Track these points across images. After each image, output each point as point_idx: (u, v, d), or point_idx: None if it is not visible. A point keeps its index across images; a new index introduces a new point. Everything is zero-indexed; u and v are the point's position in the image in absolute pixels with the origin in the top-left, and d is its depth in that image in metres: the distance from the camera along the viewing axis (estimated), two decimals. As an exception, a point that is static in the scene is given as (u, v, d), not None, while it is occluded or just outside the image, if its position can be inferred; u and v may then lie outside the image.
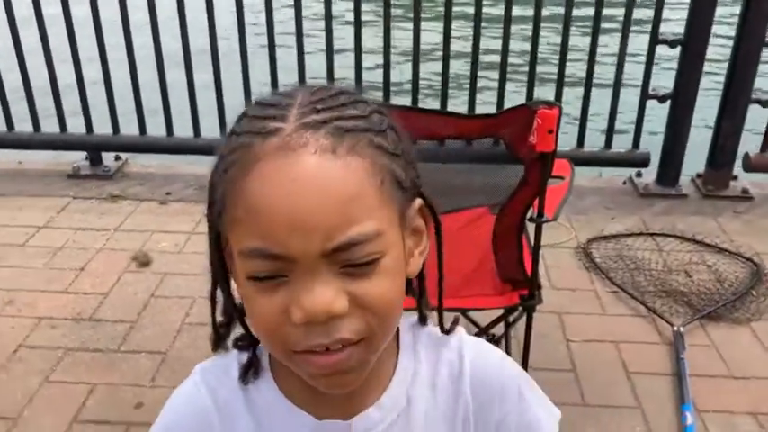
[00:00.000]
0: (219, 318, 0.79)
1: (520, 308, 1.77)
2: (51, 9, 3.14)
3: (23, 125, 3.42)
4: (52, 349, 2.29)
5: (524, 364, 1.90)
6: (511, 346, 2.09)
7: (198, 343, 2.32)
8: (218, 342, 0.79)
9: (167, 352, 2.28)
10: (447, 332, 0.81)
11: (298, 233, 0.60)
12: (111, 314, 2.46)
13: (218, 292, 0.76)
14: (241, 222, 0.63)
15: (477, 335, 1.62)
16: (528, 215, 1.71)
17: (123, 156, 3.52)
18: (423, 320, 0.82)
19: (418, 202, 0.71)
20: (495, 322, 1.87)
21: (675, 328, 2.36)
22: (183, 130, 3.37)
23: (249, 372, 0.77)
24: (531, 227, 1.75)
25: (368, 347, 0.66)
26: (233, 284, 0.73)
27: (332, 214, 0.61)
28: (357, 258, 0.62)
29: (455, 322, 0.83)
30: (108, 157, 3.49)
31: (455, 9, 2.99)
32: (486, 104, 3.36)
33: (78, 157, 3.47)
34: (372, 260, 0.63)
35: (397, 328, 0.78)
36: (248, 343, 0.78)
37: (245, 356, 0.78)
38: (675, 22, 3.30)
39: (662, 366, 2.25)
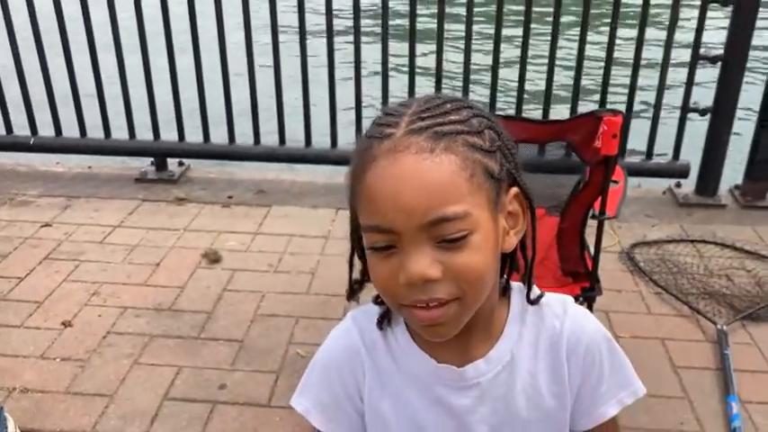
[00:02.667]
0: (356, 276, 0.97)
1: (581, 299, 1.93)
2: (123, 26, 3.38)
3: (95, 131, 3.65)
4: (138, 335, 2.48)
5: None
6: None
7: (270, 332, 2.51)
8: (351, 294, 0.98)
9: (243, 340, 2.47)
10: (532, 302, 0.97)
11: (400, 213, 0.78)
12: (189, 305, 2.65)
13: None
14: (362, 206, 0.82)
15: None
16: (590, 214, 1.87)
17: (186, 162, 3.73)
18: (529, 290, 0.98)
19: (514, 190, 0.88)
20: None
21: (719, 327, 2.50)
22: (243, 137, 3.59)
23: (384, 320, 0.96)
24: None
25: (461, 307, 0.83)
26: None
27: (425, 198, 0.78)
28: (449, 234, 0.79)
29: (540, 296, 0.99)
30: (172, 163, 3.70)
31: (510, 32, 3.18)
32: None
33: (144, 163, 3.70)
34: (462, 236, 0.79)
35: (510, 295, 0.96)
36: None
37: (381, 309, 0.97)
38: (714, 35, 3.45)
39: (707, 362, 2.39)
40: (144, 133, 3.64)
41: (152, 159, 3.68)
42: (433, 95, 0.87)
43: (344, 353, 0.97)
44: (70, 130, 3.66)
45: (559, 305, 0.98)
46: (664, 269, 2.89)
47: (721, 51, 3.23)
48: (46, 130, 3.66)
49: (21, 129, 3.67)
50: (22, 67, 3.47)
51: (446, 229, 0.78)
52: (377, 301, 0.97)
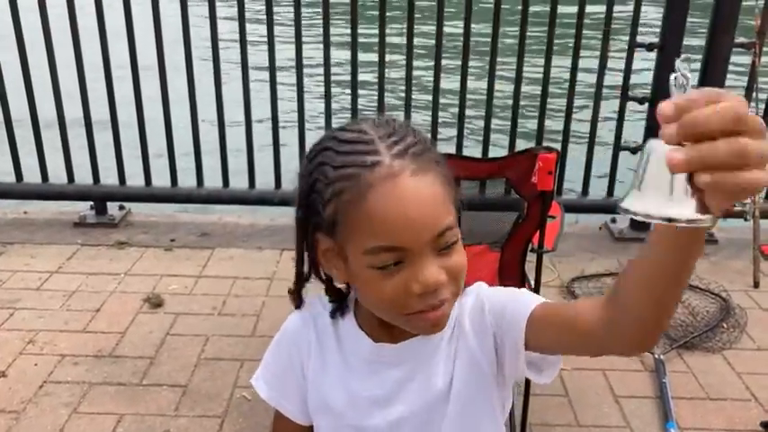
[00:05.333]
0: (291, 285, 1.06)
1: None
2: (61, 70, 3.35)
3: (31, 176, 3.57)
4: (77, 384, 2.41)
5: (526, 384, 2.09)
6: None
7: (215, 376, 2.47)
8: (298, 302, 1.08)
9: (187, 385, 2.42)
10: None
11: (410, 231, 0.86)
12: (130, 351, 2.59)
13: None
14: (364, 231, 0.86)
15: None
16: (529, 248, 1.93)
17: (127, 205, 3.68)
18: None
19: None
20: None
21: (656, 356, 2.58)
22: (186, 180, 3.57)
23: (337, 312, 1.06)
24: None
25: (454, 300, 0.94)
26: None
27: (430, 214, 0.87)
28: (446, 242, 0.88)
29: None
30: (112, 207, 3.64)
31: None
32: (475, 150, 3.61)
33: (83, 207, 3.63)
34: (454, 242, 0.90)
35: None
36: (336, 298, 1.05)
37: (329, 304, 1.06)
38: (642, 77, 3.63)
39: (646, 390, 2.46)
40: (83, 176, 3.58)
41: (91, 203, 3.62)
42: (379, 118, 0.93)
43: (296, 330, 1.07)
44: (5, 176, 3.57)
45: (474, 287, 1.05)
46: (602, 302, 2.97)
47: (648, 92, 3.39)
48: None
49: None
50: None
51: (446, 237, 0.88)
52: (330, 299, 1.05)
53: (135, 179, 3.58)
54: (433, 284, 0.87)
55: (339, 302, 1.05)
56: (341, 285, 1.03)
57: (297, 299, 1.06)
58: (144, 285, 3.02)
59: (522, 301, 0.95)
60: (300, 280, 1.03)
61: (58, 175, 3.58)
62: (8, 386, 2.39)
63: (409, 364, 1.00)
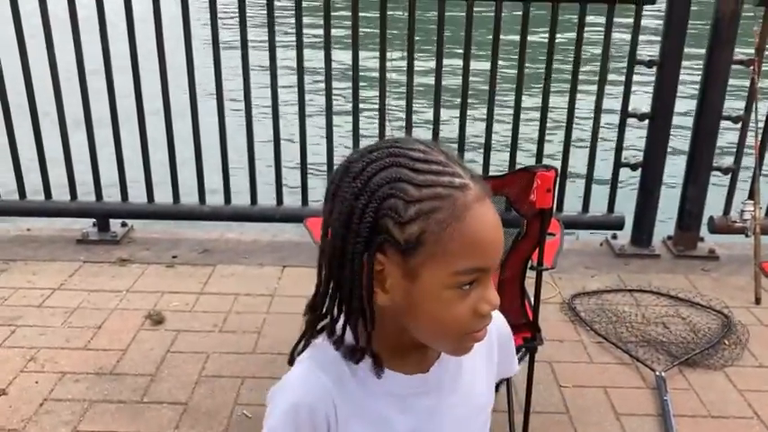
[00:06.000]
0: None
1: (523, 349, 1.97)
2: (64, 83, 3.37)
3: (35, 194, 3.60)
4: (78, 401, 2.41)
5: (527, 401, 2.09)
6: (513, 388, 2.27)
7: (215, 393, 2.47)
8: (308, 341, 1.00)
9: (188, 402, 2.42)
10: None
11: (497, 253, 0.90)
12: (131, 368, 2.59)
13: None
14: (459, 251, 0.86)
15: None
16: (528, 265, 1.94)
17: (129, 222, 3.69)
18: None
19: None
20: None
21: (657, 374, 2.57)
22: (188, 196, 3.58)
23: (356, 354, 0.95)
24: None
25: None
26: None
27: (502, 237, 0.92)
28: None
29: None
30: (115, 224, 3.66)
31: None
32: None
33: (86, 224, 3.64)
34: None
35: None
36: (340, 339, 0.96)
37: (331, 347, 0.96)
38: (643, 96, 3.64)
39: (647, 408, 2.45)
40: (86, 194, 3.60)
41: (94, 220, 3.63)
42: (432, 142, 0.94)
43: (313, 393, 0.95)
44: (9, 194, 3.59)
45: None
46: (604, 318, 2.97)
47: (648, 109, 3.41)
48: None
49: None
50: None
51: None
52: (338, 345, 0.96)
53: (137, 196, 3.59)
54: (496, 305, 0.91)
55: (355, 347, 0.95)
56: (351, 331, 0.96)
57: (314, 331, 0.98)
58: (145, 302, 3.02)
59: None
60: (323, 301, 0.95)
61: (60, 193, 3.60)
62: (9, 404, 2.39)
63: (440, 389, 1.00)
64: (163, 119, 3.42)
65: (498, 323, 1.08)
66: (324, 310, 0.97)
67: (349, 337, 0.95)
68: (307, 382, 0.96)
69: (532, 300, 2.03)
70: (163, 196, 3.61)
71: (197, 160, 3.50)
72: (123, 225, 3.68)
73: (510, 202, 1.89)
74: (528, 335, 1.94)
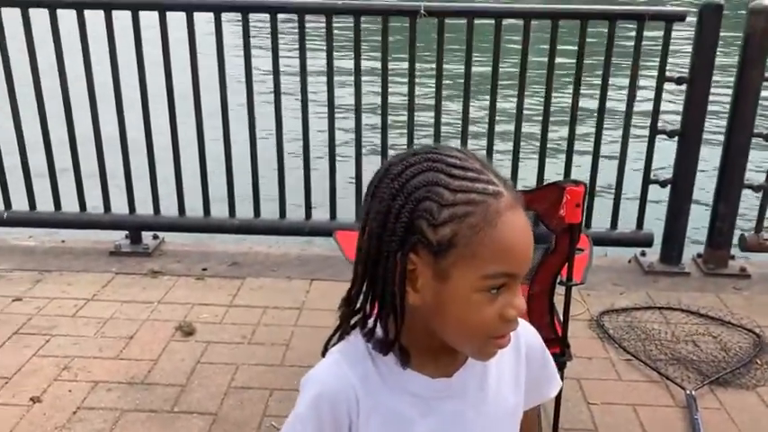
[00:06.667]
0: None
1: (551, 364, 1.97)
2: (101, 104, 3.46)
3: (69, 205, 3.68)
4: (110, 410, 2.45)
5: (556, 417, 2.08)
6: (541, 404, 2.26)
7: (244, 404, 2.50)
8: (343, 335, 1.03)
9: (217, 413, 2.45)
10: None
11: (525, 259, 0.93)
12: (162, 378, 2.63)
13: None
14: (489, 256, 0.90)
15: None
16: (557, 280, 1.94)
17: (161, 235, 3.75)
18: None
19: None
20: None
21: (688, 392, 2.55)
22: (218, 210, 3.64)
23: (384, 347, 0.99)
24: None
25: None
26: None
27: (531, 245, 0.94)
28: None
29: None
30: (147, 236, 3.72)
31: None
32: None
33: (118, 236, 3.71)
34: None
35: None
36: (371, 333, 1.00)
37: (362, 342, 1.00)
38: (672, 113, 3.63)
39: (677, 427, 2.43)
40: (119, 206, 3.67)
41: (126, 233, 3.70)
42: (467, 149, 0.97)
43: (336, 387, 0.99)
44: (44, 204, 3.68)
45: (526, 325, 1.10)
46: (632, 336, 2.95)
47: (678, 125, 3.39)
48: (20, 203, 3.67)
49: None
50: (-1, 142, 3.52)
51: None
52: (368, 338, 1.00)
53: (169, 209, 3.66)
54: (522, 312, 0.93)
55: (384, 340, 0.98)
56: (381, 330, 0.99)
57: (347, 325, 1.02)
58: (176, 314, 3.07)
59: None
60: (357, 297, 0.99)
61: (94, 205, 3.68)
62: (43, 412, 2.44)
63: (464, 395, 1.02)
64: (195, 134, 3.49)
65: (528, 335, 1.10)
66: (357, 305, 1.01)
67: (380, 331, 0.99)
68: (332, 375, 1.00)
69: (561, 315, 2.03)
70: (193, 210, 3.66)
71: (227, 174, 3.56)
72: (155, 238, 3.74)
73: (539, 217, 1.90)
74: (557, 350, 1.94)
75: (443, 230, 0.89)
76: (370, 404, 0.98)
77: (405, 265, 0.92)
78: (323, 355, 1.04)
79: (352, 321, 1.02)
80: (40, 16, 3.31)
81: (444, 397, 1.01)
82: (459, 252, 0.90)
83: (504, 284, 0.91)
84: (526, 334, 1.09)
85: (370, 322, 1.00)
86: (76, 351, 2.79)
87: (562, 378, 2.09)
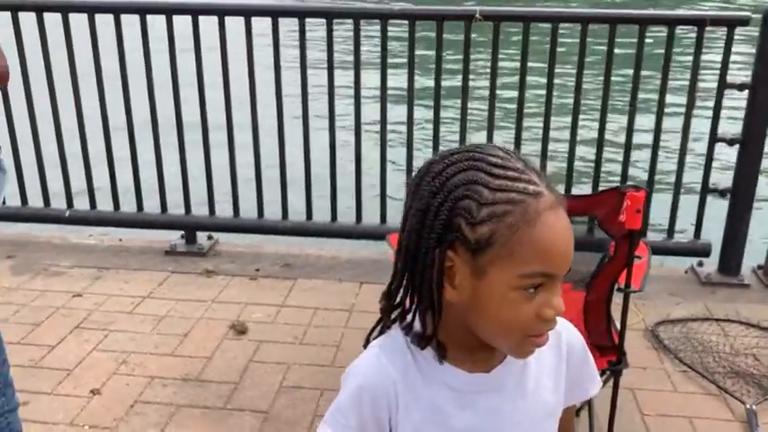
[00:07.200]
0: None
1: (607, 372, 1.94)
2: (160, 110, 3.55)
3: (127, 205, 3.78)
4: (165, 405, 2.51)
5: (610, 428, 2.05)
6: (594, 411, 2.23)
7: (295, 404, 2.52)
8: (384, 328, 1.06)
9: (269, 411, 2.48)
10: None
11: (566, 260, 0.93)
12: (215, 376, 2.68)
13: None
14: (527, 255, 0.90)
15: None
16: (615, 287, 1.91)
17: (215, 235, 3.82)
18: None
19: None
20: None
21: (748, 406, 2.48)
22: (271, 213, 3.69)
23: (422, 341, 1.01)
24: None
25: None
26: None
27: (571, 247, 0.94)
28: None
29: None
30: (201, 237, 3.79)
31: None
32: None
33: (174, 236, 3.79)
34: None
35: None
36: (409, 326, 1.03)
37: (401, 335, 1.03)
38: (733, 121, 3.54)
39: (736, 441, 2.36)
40: (174, 207, 3.75)
41: (182, 233, 3.78)
42: (510, 149, 0.98)
43: (376, 379, 1.01)
44: (103, 204, 3.78)
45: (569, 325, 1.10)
46: (689, 347, 2.88)
47: (739, 134, 3.31)
48: (81, 202, 3.79)
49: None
50: (64, 143, 3.63)
51: None
52: (407, 331, 1.03)
53: (223, 210, 3.73)
54: (560, 312, 0.93)
55: (422, 334, 1.00)
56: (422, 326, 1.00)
57: (388, 319, 1.04)
58: (229, 313, 3.12)
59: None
60: (397, 292, 1.01)
61: (151, 206, 3.77)
62: (102, 403, 2.51)
63: (502, 390, 1.03)
64: (251, 137, 3.55)
65: (569, 333, 1.09)
66: (397, 299, 1.02)
67: (418, 325, 1.01)
68: (373, 368, 1.02)
69: (617, 323, 2.00)
70: (247, 212, 3.72)
71: (281, 177, 3.60)
72: (209, 238, 3.81)
73: (598, 222, 1.88)
74: (613, 357, 1.91)
75: (482, 229, 0.90)
76: (410, 398, 1.01)
77: (443, 262, 0.93)
78: (364, 347, 1.07)
79: (393, 315, 1.04)
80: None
81: (482, 391, 1.02)
82: (496, 250, 0.90)
83: (543, 284, 0.91)
84: (567, 332, 1.08)
85: (409, 317, 1.02)
86: (133, 347, 2.86)
87: (616, 387, 2.08)
